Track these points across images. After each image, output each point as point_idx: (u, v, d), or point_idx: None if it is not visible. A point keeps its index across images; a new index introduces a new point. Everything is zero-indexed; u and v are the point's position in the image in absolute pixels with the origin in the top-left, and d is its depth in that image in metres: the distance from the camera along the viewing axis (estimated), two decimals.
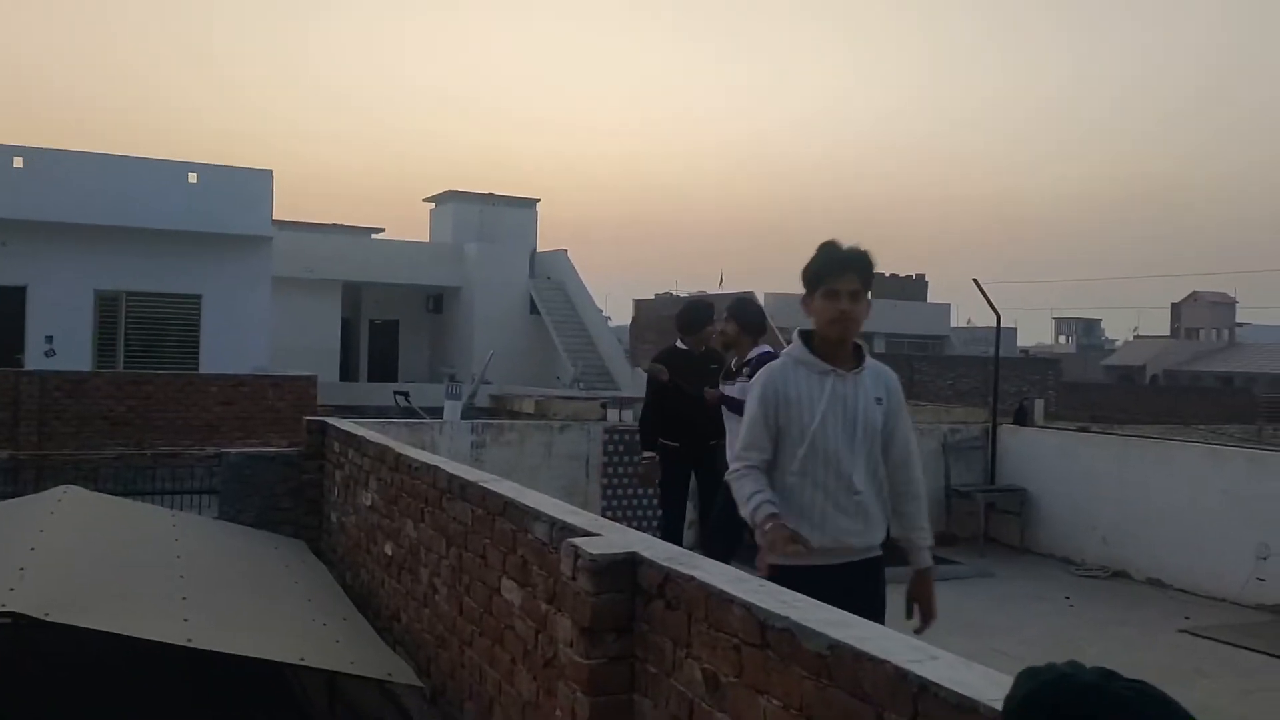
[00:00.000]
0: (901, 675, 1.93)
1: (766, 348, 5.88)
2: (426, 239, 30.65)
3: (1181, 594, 7.47)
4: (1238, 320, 55.91)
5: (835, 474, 3.24)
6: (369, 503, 6.03)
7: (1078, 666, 1.12)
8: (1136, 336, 63.01)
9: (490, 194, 29.82)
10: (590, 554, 2.94)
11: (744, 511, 3.26)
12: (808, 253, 3.41)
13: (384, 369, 29.05)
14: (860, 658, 2.04)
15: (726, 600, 2.51)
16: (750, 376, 5.70)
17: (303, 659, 4.05)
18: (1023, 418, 9.77)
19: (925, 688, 1.87)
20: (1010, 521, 9.05)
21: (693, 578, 2.68)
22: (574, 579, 3.00)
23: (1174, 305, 62.41)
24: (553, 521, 3.54)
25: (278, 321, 21.73)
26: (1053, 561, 8.53)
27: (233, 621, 4.30)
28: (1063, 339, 74.84)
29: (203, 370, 19.16)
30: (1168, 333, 59.23)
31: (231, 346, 19.84)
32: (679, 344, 6.73)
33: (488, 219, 29.08)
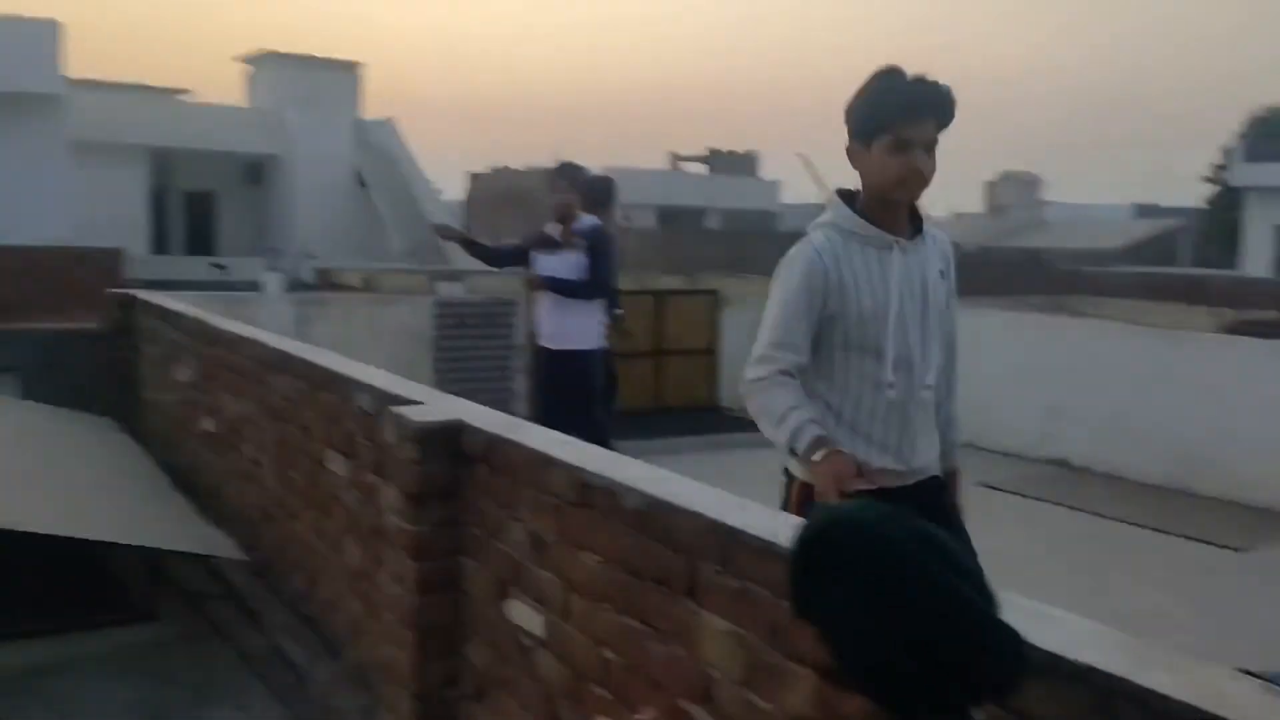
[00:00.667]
0: (712, 525, 2.03)
1: (595, 219, 5.71)
2: (240, 103, 28.81)
3: (981, 451, 8.06)
4: (1044, 198, 59.05)
5: (907, 375, 2.47)
6: (186, 379, 5.79)
7: (868, 507, 1.17)
8: (954, 214, 65.75)
9: (311, 56, 28.13)
10: (414, 422, 2.94)
11: (774, 434, 2.39)
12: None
13: (201, 243, 27.49)
14: (675, 510, 2.13)
15: (548, 462, 2.56)
16: (590, 249, 5.59)
17: (121, 538, 3.92)
18: None
19: (734, 535, 1.98)
20: None
21: (516, 442, 2.71)
22: (399, 446, 3.00)
23: (986, 184, 65.37)
24: (376, 391, 3.50)
25: (81, 191, 20.18)
26: None
27: (44, 503, 4.11)
28: None
29: None
30: (982, 210, 62.13)
31: (26, 217, 18.33)
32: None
33: (309, 83, 27.44)
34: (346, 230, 25.75)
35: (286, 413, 4.32)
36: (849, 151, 2.47)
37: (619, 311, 7.03)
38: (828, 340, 2.46)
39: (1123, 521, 6.24)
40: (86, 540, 4.38)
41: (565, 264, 5.56)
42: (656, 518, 2.18)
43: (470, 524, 2.92)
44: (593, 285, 5.56)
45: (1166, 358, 7.21)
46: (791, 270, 2.48)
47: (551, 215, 5.73)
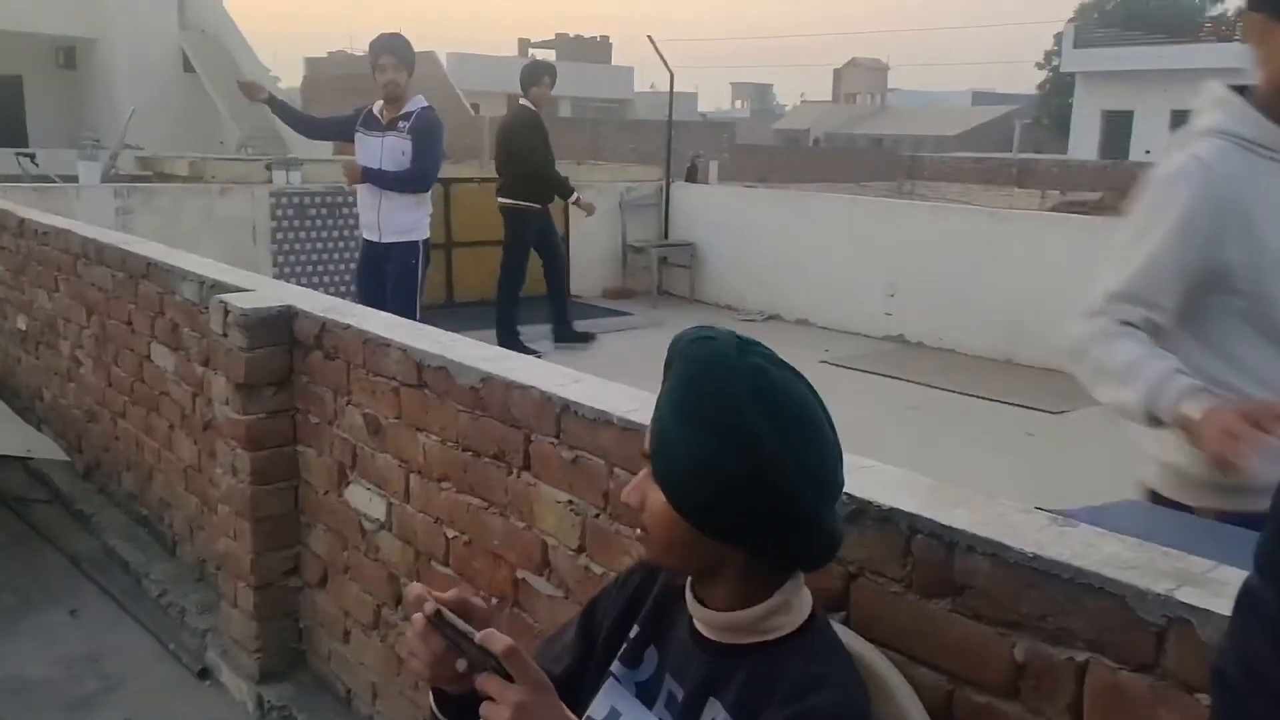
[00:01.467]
0: (546, 399, 2.03)
1: (422, 100, 5.38)
2: None
3: (825, 330, 8.32)
4: (890, 86, 60.28)
5: None
6: None
7: (731, 336, 1.19)
8: (803, 101, 66.51)
9: None
10: (241, 308, 2.81)
11: (1119, 395, 1.73)
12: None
13: (8, 134, 25.38)
14: (510, 386, 2.12)
15: (383, 344, 2.49)
16: (412, 131, 5.33)
17: None
18: (692, 176, 10.17)
19: (567, 407, 1.98)
20: (681, 274, 9.57)
21: (349, 325, 2.63)
22: (226, 335, 2.87)
23: (835, 71, 66.17)
24: (202, 280, 3.33)
25: None
26: (718, 309, 9.17)
27: None
28: (739, 104, 77.75)
29: None
30: (830, 98, 62.99)
31: None
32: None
33: None
34: (175, 119, 24.18)
35: (105, 307, 4.08)
36: (1249, 32, 1.72)
37: (575, 197, 7.32)
38: (1218, 304, 1.74)
39: (953, 391, 6.57)
40: None
41: (388, 149, 5.25)
42: (493, 394, 2.16)
43: (307, 411, 2.84)
44: (415, 178, 5.28)
45: (996, 237, 7.52)
46: (1169, 195, 1.75)
47: (380, 94, 5.36)
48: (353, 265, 8.08)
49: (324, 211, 8.03)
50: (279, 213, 7.80)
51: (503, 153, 7.35)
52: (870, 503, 1.41)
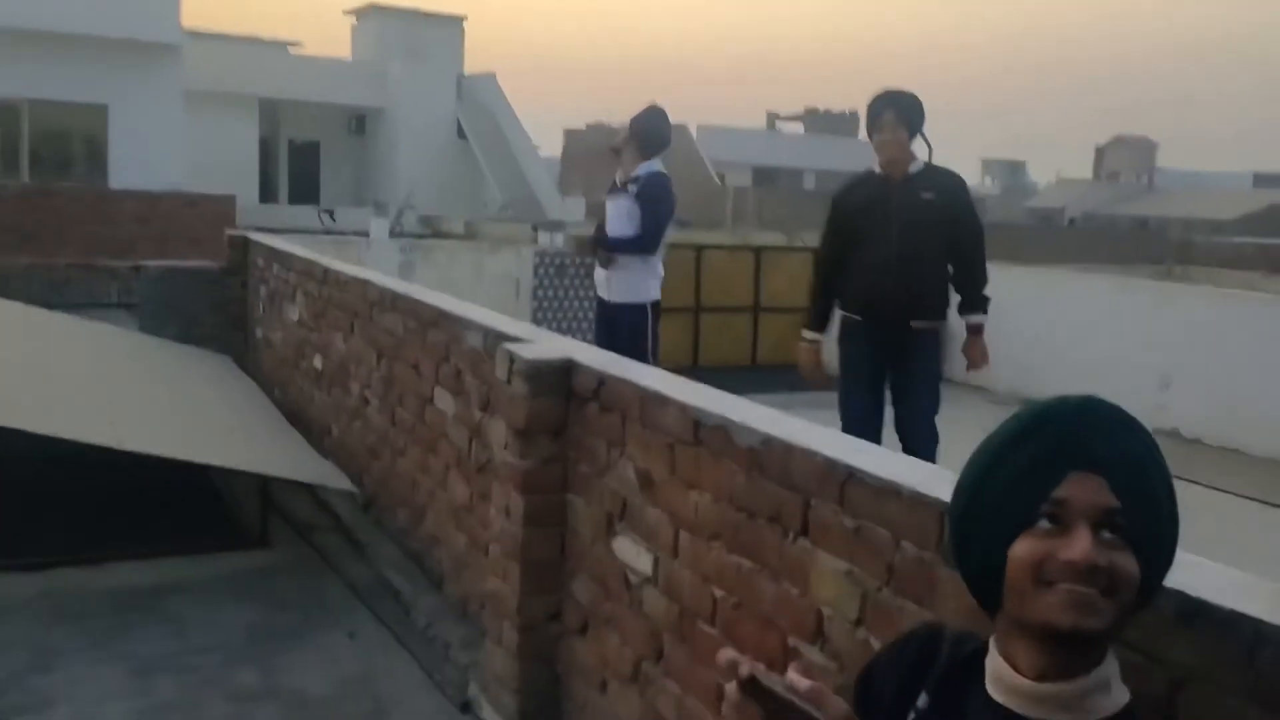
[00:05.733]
0: (830, 465, 2.01)
1: (658, 165, 5.42)
2: (347, 55, 29.29)
3: None
4: (1157, 164, 56.87)
5: None
6: (296, 317, 5.96)
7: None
8: (1060, 179, 63.70)
9: (415, 10, 28.42)
10: (525, 358, 2.96)
11: None
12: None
13: (305, 192, 28.16)
14: (792, 450, 2.11)
15: (661, 400, 2.56)
16: (638, 196, 5.27)
17: (236, 464, 4.06)
18: None
19: (852, 475, 1.95)
20: None
21: (628, 379, 2.72)
22: (509, 383, 3.03)
23: (1097, 148, 63.08)
24: (486, 330, 3.54)
25: (192, 139, 20.81)
26: (965, 388, 8.84)
27: (162, 429, 4.28)
28: (988, 180, 75.51)
29: (113, 186, 18.39)
30: (1090, 176, 60.08)
31: (142, 163, 18.99)
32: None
33: (412, 37, 27.78)
34: (446, 182, 26.06)
35: (395, 351, 4.41)
36: None
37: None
38: None
39: (1241, 496, 6.02)
40: (205, 469, 4.56)
41: (618, 210, 5.36)
42: (773, 456, 2.16)
43: (578, 461, 2.94)
44: (638, 240, 5.30)
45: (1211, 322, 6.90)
46: None
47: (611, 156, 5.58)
48: None
49: (581, 271, 8.40)
50: (540, 270, 8.23)
51: (919, 237, 4.44)
52: (1206, 603, 1.31)
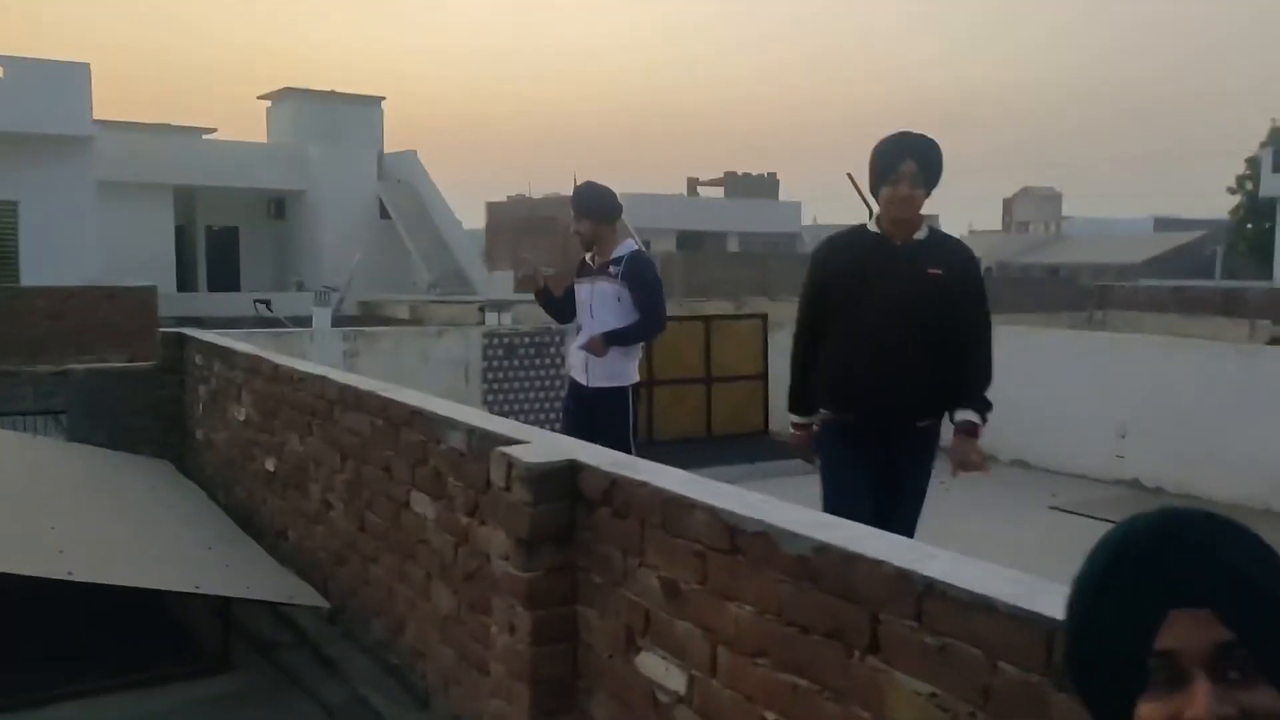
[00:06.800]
0: (902, 575, 1.85)
1: (633, 243, 5.27)
2: (264, 139, 28.97)
3: (1046, 472, 7.83)
4: (1064, 213, 58.88)
5: None
6: (242, 417, 5.65)
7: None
8: (971, 231, 65.60)
9: (332, 91, 28.29)
10: (526, 462, 2.76)
11: None
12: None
13: (224, 278, 27.59)
14: (852, 559, 1.95)
15: (687, 505, 2.38)
16: (626, 278, 5.08)
17: (197, 587, 3.75)
18: None
19: (932, 587, 1.79)
20: None
21: (645, 483, 2.54)
22: (508, 489, 2.82)
23: (1005, 200, 65.26)
24: (471, 429, 3.33)
25: (106, 231, 20.23)
26: None
27: (112, 551, 3.95)
28: None
29: (24, 284, 17.73)
30: (1000, 227, 61.96)
31: (55, 257, 18.39)
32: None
33: (330, 118, 27.59)
34: (371, 261, 25.76)
35: (362, 452, 4.16)
36: None
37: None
38: None
39: None
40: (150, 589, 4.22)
41: (599, 294, 5.15)
42: (828, 566, 1.99)
43: (589, 570, 2.74)
44: (649, 324, 5.15)
45: (1243, 374, 6.98)
46: None
47: (580, 247, 5.34)
48: (557, 402, 8.18)
49: (532, 351, 8.21)
50: (490, 352, 8.02)
51: (920, 318, 3.75)
52: None
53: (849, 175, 9.90)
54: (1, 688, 3.87)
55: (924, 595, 1.80)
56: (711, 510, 2.30)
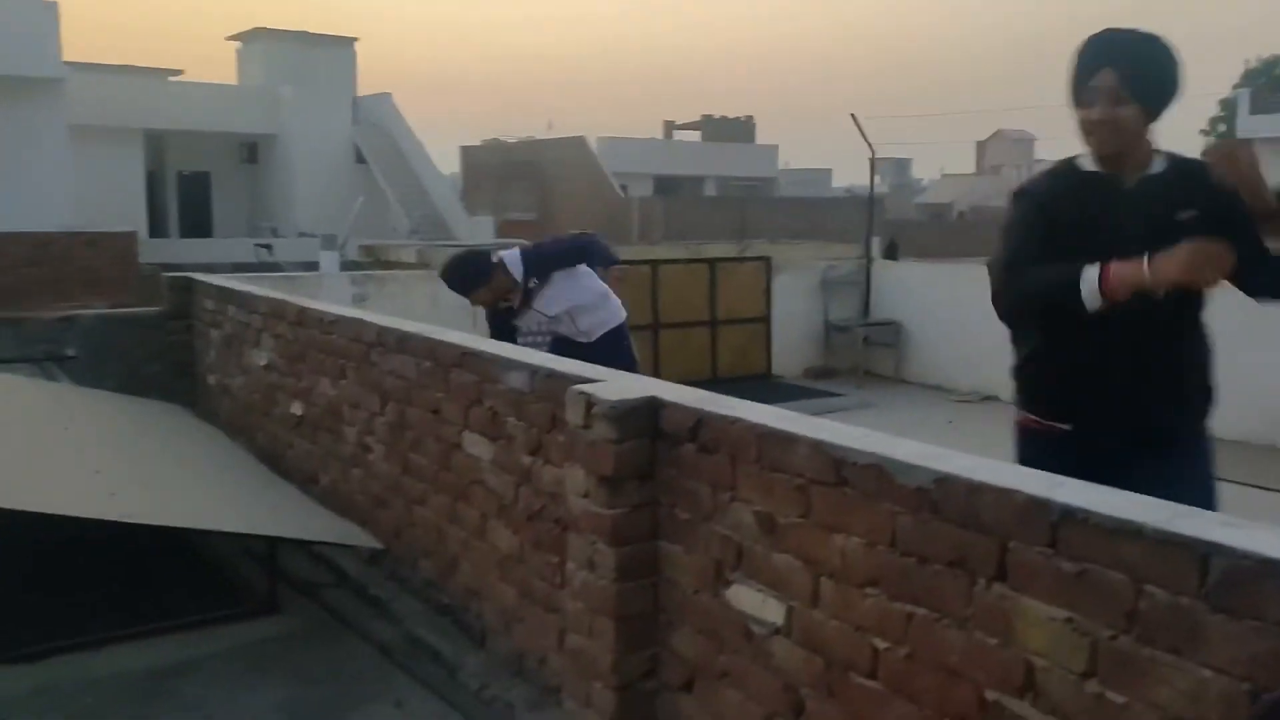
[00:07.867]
0: (1036, 503, 1.87)
1: (518, 264, 5.26)
2: (234, 81, 28.38)
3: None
4: (1037, 157, 58.94)
5: None
6: (264, 362, 5.59)
7: None
8: (944, 175, 65.60)
9: (304, 32, 27.68)
10: (608, 400, 2.76)
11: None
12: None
13: (197, 225, 27.18)
14: (979, 489, 1.97)
15: (786, 439, 2.39)
16: (532, 297, 5.13)
17: (256, 528, 3.74)
18: (893, 253, 10.00)
19: (1070, 514, 1.82)
20: (885, 354, 9.35)
21: (737, 417, 2.55)
22: (588, 428, 2.82)
23: (978, 144, 65.24)
24: (534, 369, 3.32)
25: (77, 175, 19.80)
26: (928, 389, 8.89)
27: (159, 495, 3.92)
28: (877, 179, 77.25)
29: None
30: (973, 170, 62.02)
31: (27, 203, 18.01)
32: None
33: (302, 60, 27.03)
34: (347, 207, 25.48)
35: (406, 395, 4.14)
36: None
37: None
38: None
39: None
40: (183, 532, 4.21)
41: (534, 321, 5.33)
42: (951, 497, 2.02)
43: (673, 506, 2.75)
44: (562, 246, 5.35)
45: (1236, 311, 7.06)
46: None
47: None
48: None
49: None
50: None
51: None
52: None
53: (852, 116, 9.90)
54: (49, 631, 3.86)
55: (1060, 523, 1.83)
56: (813, 443, 2.32)
